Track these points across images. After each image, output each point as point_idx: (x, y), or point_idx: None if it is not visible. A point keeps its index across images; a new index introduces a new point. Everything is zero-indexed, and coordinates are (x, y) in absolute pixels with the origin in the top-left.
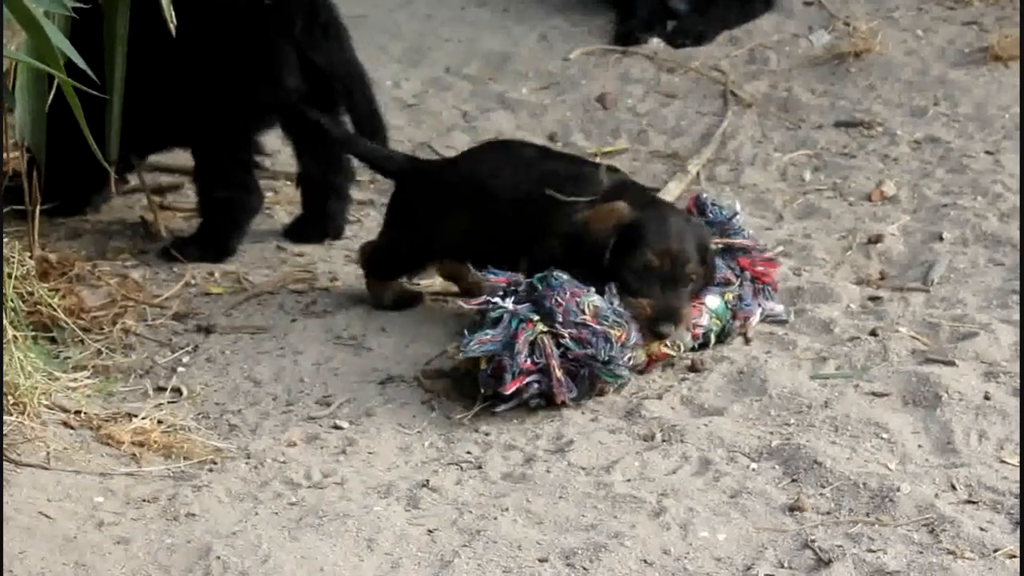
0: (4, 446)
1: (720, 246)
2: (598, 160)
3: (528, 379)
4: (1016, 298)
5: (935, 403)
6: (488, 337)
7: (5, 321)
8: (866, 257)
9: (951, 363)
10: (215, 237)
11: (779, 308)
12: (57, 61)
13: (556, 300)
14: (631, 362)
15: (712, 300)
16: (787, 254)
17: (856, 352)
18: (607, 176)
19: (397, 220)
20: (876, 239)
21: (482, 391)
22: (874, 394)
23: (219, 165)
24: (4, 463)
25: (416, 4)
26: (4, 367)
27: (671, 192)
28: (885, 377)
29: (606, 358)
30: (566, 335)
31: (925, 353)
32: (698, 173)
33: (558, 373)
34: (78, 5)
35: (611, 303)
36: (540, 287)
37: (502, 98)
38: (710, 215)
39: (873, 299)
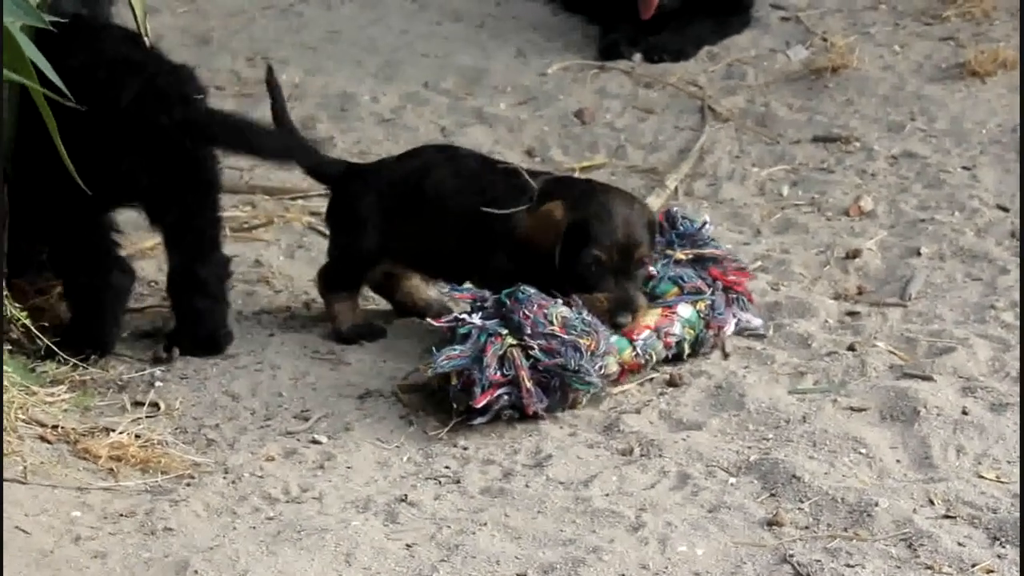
0: None
1: (690, 257)
2: (577, 174)
3: (498, 392)
4: (993, 313)
5: (913, 418)
6: (457, 353)
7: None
8: (844, 272)
9: (929, 378)
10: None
11: (757, 321)
12: (31, 74)
13: (524, 313)
14: (603, 371)
15: (684, 309)
16: (765, 269)
17: (834, 367)
18: (536, 179)
19: (339, 227)
20: (854, 254)
21: (454, 406)
22: (852, 409)
23: (70, 253)
24: None
25: (391, 19)
26: None
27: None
28: (863, 392)
29: (576, 367)
30: (535, 346)
31: (903, 368)
32: (676, 188)
33: (528, 384)
34: (55, 19)
35: (579, 313)
36: (507, 302)
37: (479, 113)
38: (680, 227)
39: (851, 314)
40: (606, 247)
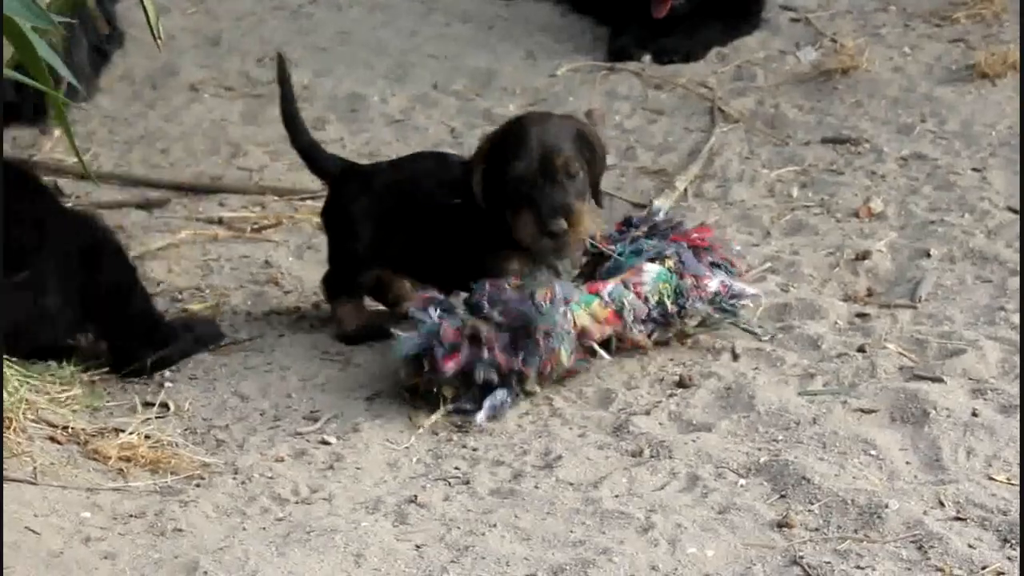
0: None
1: (645, 230)
2: None
3: (464, 354)
4: (1003, 315)
5: (923, 420)
6: (416, 336)
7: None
8: (853, 274)
9: (939, 380)
10: None
11: (751, 290)
12: (44, 75)
13: (478, 293)
14: (568, 316)
15: (650, 267)
16: (774, 271)
17: (844, 369)
18: None
19: (334, 228)
20: (863, 256)
21: (446, 397)
22: (862, 411)
23: None
24: None
25: (401, 21)
26: None
27: None
28: (873, 394)
29: (537, 313)
30: (494, 314)
31: (913, 370)
32: (686, 190)
33: (487, 331)
34: (65, 20)
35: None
36: (463, 294)
37: (489, 114)
38: (635, 222)
39: (861, 316)
40: (524, 160)
